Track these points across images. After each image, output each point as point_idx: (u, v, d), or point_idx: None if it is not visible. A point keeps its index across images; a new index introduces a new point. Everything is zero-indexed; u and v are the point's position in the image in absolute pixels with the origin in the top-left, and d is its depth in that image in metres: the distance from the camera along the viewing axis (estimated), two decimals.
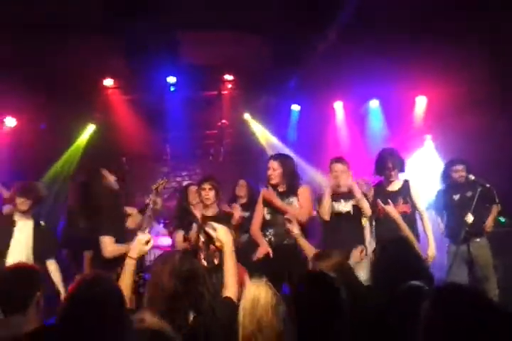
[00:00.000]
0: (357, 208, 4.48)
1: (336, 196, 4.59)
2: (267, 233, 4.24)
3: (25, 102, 6.33)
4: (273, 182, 4.28)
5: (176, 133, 7.42)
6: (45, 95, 6.38)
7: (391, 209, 3.73)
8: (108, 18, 5.50)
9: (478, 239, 4.71)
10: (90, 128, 7.36)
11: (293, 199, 4.25)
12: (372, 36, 5.81)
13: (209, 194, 4.33)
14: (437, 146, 7.02)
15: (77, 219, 3.97)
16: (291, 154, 4.95)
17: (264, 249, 4.12)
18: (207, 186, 4.34)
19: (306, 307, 2.07)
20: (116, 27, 5.63)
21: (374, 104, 7.62)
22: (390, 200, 4.17)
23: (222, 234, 2.55)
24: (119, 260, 3.28)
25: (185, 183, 6.46)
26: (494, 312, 1.50)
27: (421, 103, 7.43)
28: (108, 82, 6.97)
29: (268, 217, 4.28)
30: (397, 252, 2.68)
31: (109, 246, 3.65)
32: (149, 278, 2.26)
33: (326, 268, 2.60)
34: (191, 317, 2.14)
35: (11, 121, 6.76)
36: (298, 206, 4.23)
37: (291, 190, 4.26)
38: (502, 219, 5.81)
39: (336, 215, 4.52)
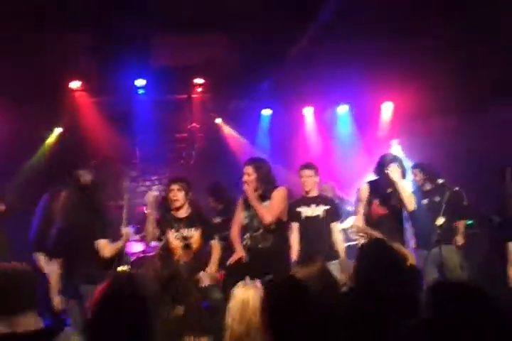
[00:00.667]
0: (327, 212, 4.58)
1: (306, 201, 4.69)
2: (244, 237, 4.18)
3: None
4: (248, 187, 4.15)
5: (145, 137, 7.25)
6: (11, 95, 6.13)
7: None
8: (77, 17, 5.35)
9: (449, 244, 4.75)
10: (57, 131, 7.13)
11: (267, 203, 4.14)
12: (343, 42, 5.86)
13: (177, 195, 4.17)
14: (404, 151, 7.13)
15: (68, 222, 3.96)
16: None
17: (238, 253, 4.08)
18: (175, 187, 4.19)
19: (276, 311, 2.00)
20: (85, 26, 5.49)
21: (343, 109, 7.70)
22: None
23: None
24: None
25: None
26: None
27: (387, 109, 7.57)
28: (75, 84, 6.75)
29: (245, 221, 4.21)
30: (376, 253, 2.66)
31: (106, 247, 3.86)
32: None
33: (309, 273, 2.55)
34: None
35: None
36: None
37: (266, 195, 4.17)
38: (469, 221, 5.92)
39: (306, 219, 4.62)
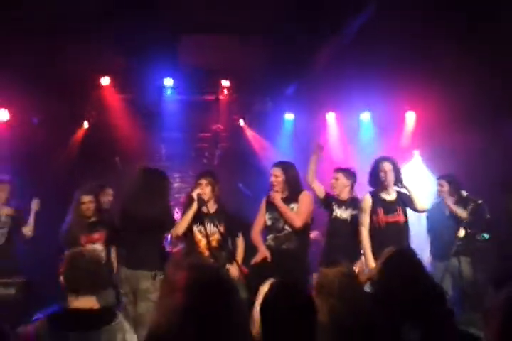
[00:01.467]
0: (355, 217, 4.58)
1: (340, 202, 4.71)
2: (267, 237, 4.24)
3: (20, 96, 6.16)
4: (276, 188, 4.26)
5: (170, 135, 7.29)
6: (41, 89, 6.22)
7: None
8: (110, 15, 5.40)
9: (467, 256, 4.70)
10: (84, 126, 7.20)
11: (293, 206, 4.21)
12: (368, 51, 5.84)
13: (205, 189, 4.19)
14: (425, 162, 7.08)
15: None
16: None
17: (262, 253, 4.11)
18: (203, 181, 4.20)
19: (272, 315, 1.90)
20: (117, 25, 5.54)
21: (365, 116, 7.67)
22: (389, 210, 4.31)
23: None
24: None
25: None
26: None
27: (410, 118, 7.52)
28: (105, 80, 6.79)
29: (269, 222, 4.26)
30: (401, 263, 2.66)
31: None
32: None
33: (330, 275, 2.55)
34: None
35: (3, 114, 6.56)
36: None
37: (293, 197, 4.25)
38: (485, 235, 5.87)
39: (336, 220, 4.66)
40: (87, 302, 2.32)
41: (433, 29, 5.55)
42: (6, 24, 5.13)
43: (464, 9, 5.09)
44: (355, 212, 4.63)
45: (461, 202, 4.70)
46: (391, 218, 4.33)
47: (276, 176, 4.25)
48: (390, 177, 4.36)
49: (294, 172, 4.31)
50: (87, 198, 4.45)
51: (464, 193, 4.62)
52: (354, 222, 4.57)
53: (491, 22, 5.20)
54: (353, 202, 4.71)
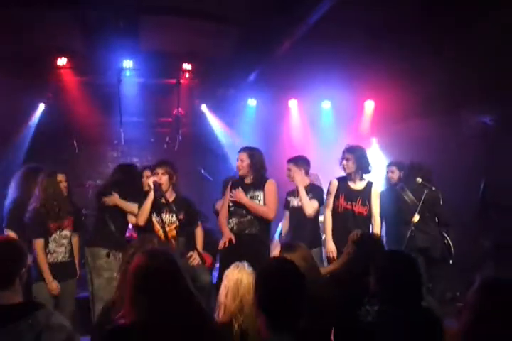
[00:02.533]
0: None
1: (293, 192, 4.74)
2: (230, 221, 4.22)
3: None
4: (241, 173, 4.25)
5: (129, 119, 7.07)
6: None
7: None
8: None
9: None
10: (40, 108, 6.90)
11: (258, 193, 4.20)
12: (330, 40, 5.81)
13: (162, 179, 4.08)
14: (383, 149, 7.19)
15: None
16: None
17: (227, 236, 4.11)
18: (159, 170, 4.08)
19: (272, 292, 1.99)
20: (76, 3, 5.29)
21: (326, 104, 7.71)
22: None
23: None
24: None
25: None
26: None
27: (369, 107, 7.62)
28: (62, 61, 6.47)
29: (232, 207, 4.24)
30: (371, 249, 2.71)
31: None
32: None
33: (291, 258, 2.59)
34: None
35: None
36: (263, 201, 4.17)
37: (258, 183, 4.23)
38: None
39: (293, 210, 4.66)
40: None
41: (395, 18, 5.57)
42: None
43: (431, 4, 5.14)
44: (309, 196, 4.59)
45: (417, 189, 4.74)
46: (349, 206, 4.37)
47: (242, 160, 4.24)
48: (349, 167, 4.38)
49: (260, 158, 4.28)
50: (61, 177, 4.14)
51: (419, 180, 4.67)
52: None
53: (451, 10, 5.26)
54: (312, 189, 4.70)
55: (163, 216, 4.01)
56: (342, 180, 4.49)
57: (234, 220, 4.21)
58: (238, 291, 2.39)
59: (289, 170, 4.73)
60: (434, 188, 4.65)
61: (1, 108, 6.35)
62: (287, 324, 1.87)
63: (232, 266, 2.55)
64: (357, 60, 6.13)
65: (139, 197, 4.18)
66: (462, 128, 6.46)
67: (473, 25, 5.27)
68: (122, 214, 4.29)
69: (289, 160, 4.80)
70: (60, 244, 3.92)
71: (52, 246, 3.88)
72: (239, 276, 2.44)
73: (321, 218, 4.72)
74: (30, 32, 5.54)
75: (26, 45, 5.77)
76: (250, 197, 4.19)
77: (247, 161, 4.23)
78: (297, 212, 4.63)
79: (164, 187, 4.06)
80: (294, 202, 4.68)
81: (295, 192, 4.69)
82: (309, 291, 1.96)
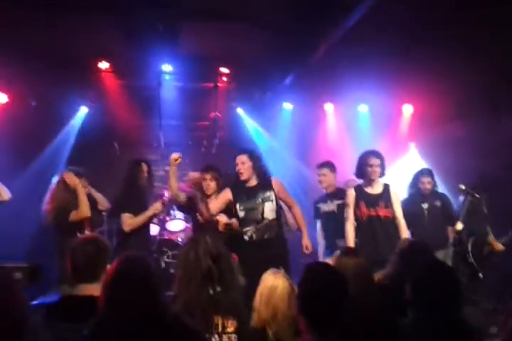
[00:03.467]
0: (341, 206, 4.46)
1: (323, 198, 4.74)
2: (246, 230, 3.97)
3: (18, 79, 5.99)
4: (244, 177, 4.00)
5: (168, 122, 7.10)
6: (40, 72, 6.03)
7: None
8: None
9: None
10: (82, 111, 7.02)
11: (269, 194, 4.00)
12: (367, 44, 5.71)
13: (210, 184, 4.16)
14: (421, 153, 7.01)
15: None
16: (282, 150, 4.96)
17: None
18: (207, 176, 4.13)
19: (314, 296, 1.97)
20: (118, 9, 5.37)
21: (363, 108, 7.56)
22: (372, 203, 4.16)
23: None
24: None
25: None
26: None
27: (407, 111, 7.43)
28: (103, 64, 6.58)
29: (242, 214, 3.99)
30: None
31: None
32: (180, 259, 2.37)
33: (349, 263, 2.54)
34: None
35: (2, 97, 6.38)
36: (276, 201, 4.02)
37: (265, 184, 4.03)
38: None
39: (327, 215, 4.62)
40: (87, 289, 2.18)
41: (433, 22, 5.43)
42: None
43: (465, 6, 4.98)
44: (341, 202, 4.53)
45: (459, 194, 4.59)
46: (373, 212, 4.16)
47: (243, 163, 3.99)
48: (377, 173, 4.18)
49: (260, 158, 4.15)
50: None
51: (462, 187, 4.50)
52: (341, 211, 4.45)
53: (492, 19, 5.09)
54: (339, 193, 4.66)
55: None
56: (358, 188, 4.29)
57: (250, 228, 3.96)
58: (272, 298, 2.33)
59: (325, 175, 4.70)
60: (477, 195, 4.47)
61: (44, 110, 6.54)
62: (329, 328, 1.85)
63: (269, 272, 2.48)
64: (394, 63, 5.99)
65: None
66: (503, 131, 6.22)
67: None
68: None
69: (322, 165, 4.77)
70: None
71: None
72: (274, 283, 2.37)
73: None
74: (74, 36, 5.63)
75: (69, 49, 5.86)
76: (262, 200, 3.98)
77: (248, 163, 3.99)
78: (332, 216, 4.55)
79: (211, 192, 4.11)
80: (325, 207, 4.61)
81: (323, 198, 4.64)
82: (359, 298, 1.94)
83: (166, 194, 5.08)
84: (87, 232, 3.98)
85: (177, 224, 6.53)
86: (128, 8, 5.23)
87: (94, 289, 2.11)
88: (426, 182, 4.77)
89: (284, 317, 2.27)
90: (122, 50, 6.25)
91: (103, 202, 4.73)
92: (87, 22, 5.48)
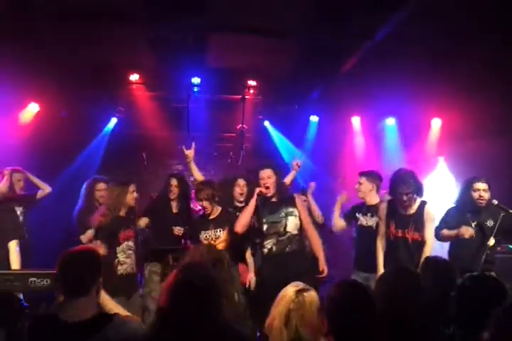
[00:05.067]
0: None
1: (365, 209, 4.47)
2: (265, 243, 3.85)
3: (50, 89, 6.08)
4: (271, 192, 3.90)
5: (195, 133, 7.14)
6: (71, 83, 6.12)
7: None
8: (141, 12, 5.28)
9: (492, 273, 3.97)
10: (112, 121, 7.09)
11: (292, 209, 3.90)
12: (395, 57, 5.62)
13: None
14: (450, 168, 6.80)
15: None
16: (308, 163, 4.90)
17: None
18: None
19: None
20: (148, 22, 5.43)
21: (390, 121, 7.41)
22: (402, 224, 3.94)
23: None
24: None
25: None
26: None
27: (436, 125, 7.26)
28: (134, 76, 6.65)
29: (265, 227, 3.87)
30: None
31: None
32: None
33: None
34: None
35: (34, 107, 6.48)
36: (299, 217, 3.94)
37: (288, 200, 3.95)
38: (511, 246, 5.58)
39: (363, 229, 4.40)
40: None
41: (466, 35, 5.30)
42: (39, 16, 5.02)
43: (498, 21, 4.84)
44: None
45: (490, 211, 4.32)
46: (401, 233, 3.94)
47: (269, 177, 3.89)
48: (410, 201, 3.91)
49: (282, 174, 4.12)
50: (133, 186, 4.05)
51: (495, 202, 4.24)
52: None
53: None
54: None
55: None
56: (391, 205, 4.03)
57: (271, 241, 3.84)
58: (282, 306, 2.23)
59: (360, 183, 4.47)
60: (511, 211, 4.22)
61: (75, 120, 6.63)
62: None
63: (291, 286, 2.36)
64: (422, 77, 5.85)
65: None
66: None
67: None
68: None
69: (361, 173, 4.54)
70: (128, 255, 3.80)
71: (121, 256, 3.75)
72: (287, 293, 2.28)
73: None
74: (106, 47, 5.68)
75: (101, 60, 5.91)
76: (285, 214, 3.88)
77: (273, 178, 3.89)
78: (368, 232, 4.30)
79: (272, 191, 3.93)
80: (363, 220, 4.38)
81: (363, 209, 4.42)
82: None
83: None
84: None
85: None
86: (158, 20, 5.29)
87: (84, 303, 2.00)
88: (481, 189, 4.16)
89: (312, 330, 2.14)
90: (152, 63, 6.29)
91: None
92: (119, 33, 5.54)
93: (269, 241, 3.84)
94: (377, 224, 4.24)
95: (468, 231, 3.93)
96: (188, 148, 4.63)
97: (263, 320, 2.33)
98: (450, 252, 4.33)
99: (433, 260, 3.00)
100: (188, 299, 1.73)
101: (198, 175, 4.64)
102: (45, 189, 4.91)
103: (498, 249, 4.39)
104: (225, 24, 5.67)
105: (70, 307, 1.99)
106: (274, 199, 3.96)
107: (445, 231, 4.13)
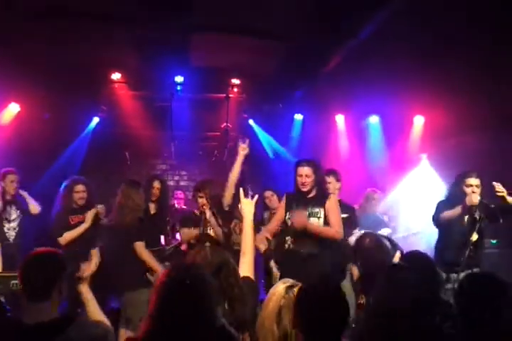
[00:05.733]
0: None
1: None
2: (286, 239, 3.78)
3: (31, 89, 5.96)
4: (306, 189, 3.77)
5: (179, 132, 7.07)
6: (52, 83, 6.03)
7: None
8: (124, 10, 5.22)
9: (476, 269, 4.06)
10: (95, 121, 7.00)
11: (318, 209, 3.76)
12: (377, 56, 5.64)
13: (308, 178, 3.90)
14: (433, 165, 6.86)
15: None
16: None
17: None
18: (202, 194, 4.20)
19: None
20: (130, 20, 5.37)
21: (374, 119, 7.45)
22: None
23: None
24: None
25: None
26: None
27: (418, 122, 7.32)
28: (116, 75, 6.56)
29: (289, 223, 3.78)
30: None
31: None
32: None
33: None
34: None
35: (14, 107, 6.35)
36: (324, 219, 3.78)
37: (319, 199, 3.80)
38: (493, 241, 5.65)
39: None
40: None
41: (446, 34, 5.35)
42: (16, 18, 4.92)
43: (483, 19, 4.89)
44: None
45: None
46: None
47: (308, 176, 3.73)
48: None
49: (322, 172, 3.92)
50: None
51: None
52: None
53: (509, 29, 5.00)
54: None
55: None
56: None
57: (290, 238, 3.77)
58: (273, 304, 2.12)
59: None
60: (492, 206, 4.26)
61: (57, 119, 6.52)
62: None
63: (281, 282, 2.29)
64: (405, 75, 5.88)
65: None
66: None
67: None
68: None
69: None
70: None
71: None
72: (277, 290, 2.19)
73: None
74: (86, 47, 5.60)
75: (82, 60, 5.83)
76: (309, 214, 3.75)
77: (312, 177, 3.74)
78: None
79: (307, 187, 3.82)
80: None
81: None
82: None
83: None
84: None
85: None
86: (140, 19, 5.22)
87: (46, 307, 1.96)
88: (474, 185, 4.14)
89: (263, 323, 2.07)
90: (135, 62, 6.23)
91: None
92: (99, 33, 5.47)
93: (288, 237, 3.79)
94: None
95: (473, 197, 3.96)
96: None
97: None
98: (437, 247, 4.36)
99: (417, 255, 2.95)
100: (180, 300, 1.67)
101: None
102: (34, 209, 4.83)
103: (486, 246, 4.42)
104: (210, 24, 5.63)
105: (31, 311, 1.96)
106: (309, 196, 3.84)
107: (446, 212, 4.12)
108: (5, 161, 5.25)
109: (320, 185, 3.85)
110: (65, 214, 4.39)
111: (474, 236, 4.06)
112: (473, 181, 4.18)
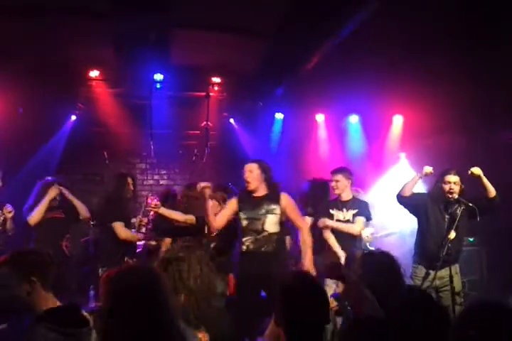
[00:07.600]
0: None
1: (340, 204, 4.61)
2: (244, 240, 3.77)
3: (6, 85, 5.84)
4: (250, 186, 3.82)
5: (158, 131, 6.99)
6: (28, 79, 5.89)
7: None
8: (102, 7, 5.14)
9: (456, 264, 4.20)
10: (71, 119, 6.88)
11: (275, 207, 3.78)
12: (357, 55, 5.68)
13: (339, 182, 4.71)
14: (412, 164, 6.94)
15: None
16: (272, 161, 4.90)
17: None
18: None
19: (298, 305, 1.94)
20: (109, 17, 5.29)
21: (354, 119, 7.51)
22: None
23: None
24: None
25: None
26: None
27: (398, 121, 7.40)
28: (94, 73, 6.46)
29: (245, 222, 3.79)
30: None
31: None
32: None
33: None
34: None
35: None
36: (280, 216, 3.83)
37: (273, 197, 3.83)
38: (471, 239, 5.74)
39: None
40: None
41: (425, 34, 5.40)
42: None
43: (464, 19, 4.95)
44: (355, 212, 4.53)
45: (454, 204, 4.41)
46: None
47: (251, 171, 3.81)
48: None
49: (269, 169, 3.93)
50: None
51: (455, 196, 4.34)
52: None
53: (487, 30, 5.07)
54: (355, 203, 4.61)
55: None
56: None
57: (250, 238, 3.77)
58: None
59: (337, 181, 4.59)
60: (470, 204, 4.32)
61: (33, 118, 6.38)
62: (309, 336, 1.85)
63: None
64: (384, 75, 5.95)
65: None
66: (494, 145, 6.18)
67: (504, 37, 5.05)
68: None
69: (336, 171, 4.66)
70: None
71: None
72: None
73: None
74: (63, 43, 5.52)
75: (59, 56, 5.74)
76: (266, 211, 3.79)
77: (256, 172, 3.81)
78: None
79: (253, 186, 3.88)
80: (340, 216, 4.51)
81: (338, 204, 4.55)
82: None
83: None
84: None
85: None
86: (118, 15, 5.15)
87: None
88: (452, 182, 4.16)
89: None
90: (113, 59, 6.15)
91: (84, 213, 4.68)
92: (76, 30, 5.38)
93: (247, 238, 3.77)
94: (354, 217, 4.51)
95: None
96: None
97: (247, 325, 2.30)
98: (417, 243, 4.42)
99: (375, 254, 2.93)
100: (130, 301, 1.62)
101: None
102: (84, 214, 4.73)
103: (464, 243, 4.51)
104: (190, 21, 5.59)
105: None
106: (257, 195, 3.85)
107: (404, 183, 4.35)
108: None
109: (270, 182, 3.89)
110: None
111: (452, 234, 4.12)
112: (451, 178, 4.24)
